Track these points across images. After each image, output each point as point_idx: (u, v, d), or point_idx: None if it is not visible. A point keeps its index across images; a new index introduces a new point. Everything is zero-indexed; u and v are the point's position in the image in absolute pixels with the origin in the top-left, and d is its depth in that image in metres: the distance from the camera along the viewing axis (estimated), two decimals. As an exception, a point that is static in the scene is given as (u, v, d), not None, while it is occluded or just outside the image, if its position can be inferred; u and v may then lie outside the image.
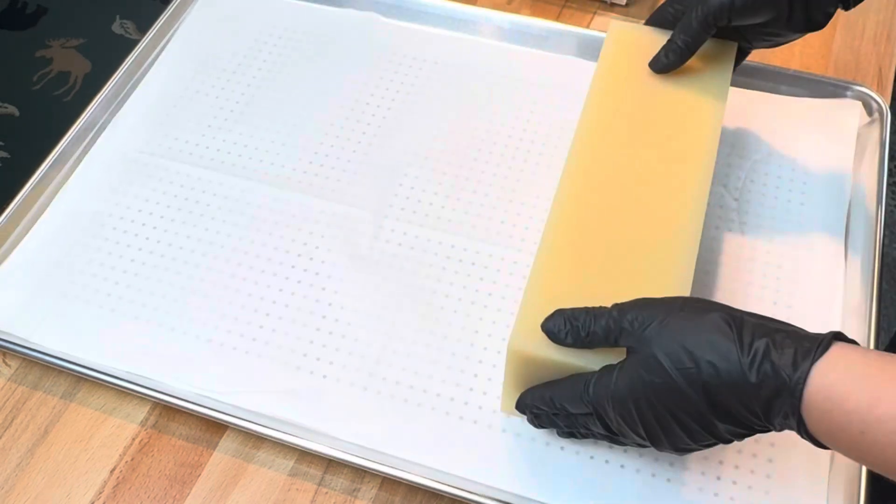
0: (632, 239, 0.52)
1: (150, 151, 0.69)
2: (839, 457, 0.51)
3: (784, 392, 0.40)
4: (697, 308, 0.43)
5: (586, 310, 0.46)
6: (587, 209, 0.53)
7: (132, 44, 0.75)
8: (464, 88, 0.72)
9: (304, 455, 0.54)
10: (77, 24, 1.42)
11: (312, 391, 0.56)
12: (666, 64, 0.58)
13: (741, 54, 0.61)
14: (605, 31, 0.62)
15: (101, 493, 0.54)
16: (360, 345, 0.58)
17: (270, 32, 0.77)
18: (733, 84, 0.59)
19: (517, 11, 0.78)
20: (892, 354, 0.39)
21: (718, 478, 0.52)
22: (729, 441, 0.44)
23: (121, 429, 0.56)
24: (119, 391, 0.57)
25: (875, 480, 0.51)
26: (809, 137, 0.68)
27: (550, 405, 0.47)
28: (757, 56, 0.64)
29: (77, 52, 1.39)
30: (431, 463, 0.53)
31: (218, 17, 0.78)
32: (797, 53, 0.75)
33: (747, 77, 0.69)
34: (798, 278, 0.60)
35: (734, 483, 0.52)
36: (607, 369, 0.45)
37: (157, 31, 0.76)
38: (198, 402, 0.55)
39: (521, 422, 0.54)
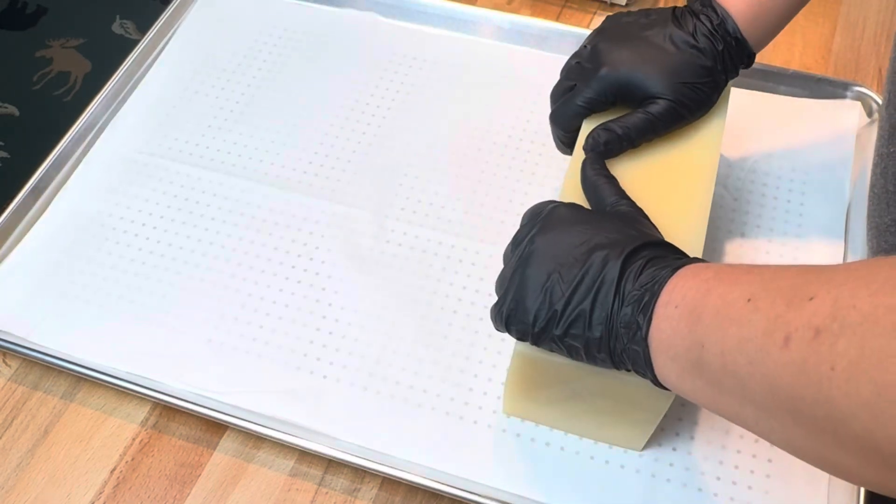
0: None
1: (150, 152, 0.69)
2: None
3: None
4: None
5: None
6: None
7: (132, 44, 0.75)
8: (464, 88, 0.72)
9: (304, 455, 0.54)
10: (77, 24, 1.42)
11: (312, 391, 0.56)
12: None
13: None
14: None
15: (101, 493, 0.54)
16: (360, 345, 0.58)
17: (270, 32, 0.77)
18: (733, 84, 0.59)
19: (517, 11, 0.78)
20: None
21: (718, 478, 0.52)
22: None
23: (121, 429, 0.56)
24: (119, 391, 0.57)
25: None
26: (809, 137, 0.68)
27: None
28: (757, 56, 0.64)
29: (77, 52, 1.38)
30: (431, 463, 0.53)
31: (218, 18, 0.78)
32: (797, 54, 0.75)
33: (747, 77, 0.68)
34: (798, 278, 0.60)
35: (734, 483, 0.52)
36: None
37: (157, 31, 0.76)
38: (198, 402, 0.55)
39: (521, 422, 0.54)
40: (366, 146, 0.69)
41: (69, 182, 0.67)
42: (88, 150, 0.69)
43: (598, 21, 0.78)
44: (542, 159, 0.67)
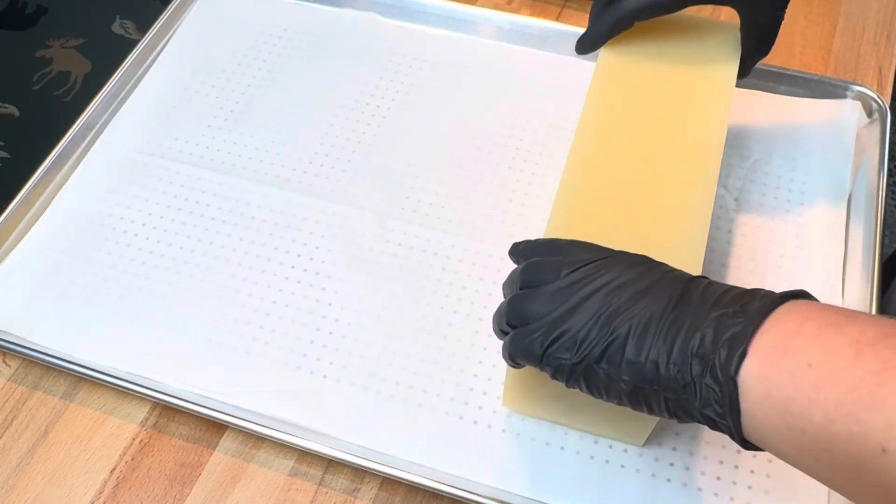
0: (639, 231, 0.51)
1: (150, 151, 0.69)
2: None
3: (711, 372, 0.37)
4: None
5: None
6: (591, 202, 0.52)
7: (132, 44, 0.75)
8: (464, 88, 0.72)
9: (304, 455, 0.54)
10: (77, 24, 1.42)
11: (312, 391, 0.56)
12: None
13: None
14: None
15: (101, 493, 0.54)
16: (360, 345, 0.58)
17: (270, 32, 0.77)
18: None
19: (517, 12, 0.78)
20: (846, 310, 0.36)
21: (718, 478, 0.52)
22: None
23: (121, 429, 0.56)
24: (119, 391, 0.57)
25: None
26: (809, 137, 0.68)
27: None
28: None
29: (77, 52, 1.38)
30: (431, 463, 0.53)
31: (217, 18, 0.78)
32: (797, 53, 0.75)
33: (747, 77, 0.69)
34: (797, 278, 0.60)
35: (734, 483, 0.52)
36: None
37: (157, 31, 0.76)
38: (198, 402, 0.55)
39: (521, 422, 0.54)
40: (366, 146, 0.69)
41: (69, 182, 0.67)
42: (88, 150, 0.69)
43: (598, 21, 0.78)
44: (542, 159, 0.67)
